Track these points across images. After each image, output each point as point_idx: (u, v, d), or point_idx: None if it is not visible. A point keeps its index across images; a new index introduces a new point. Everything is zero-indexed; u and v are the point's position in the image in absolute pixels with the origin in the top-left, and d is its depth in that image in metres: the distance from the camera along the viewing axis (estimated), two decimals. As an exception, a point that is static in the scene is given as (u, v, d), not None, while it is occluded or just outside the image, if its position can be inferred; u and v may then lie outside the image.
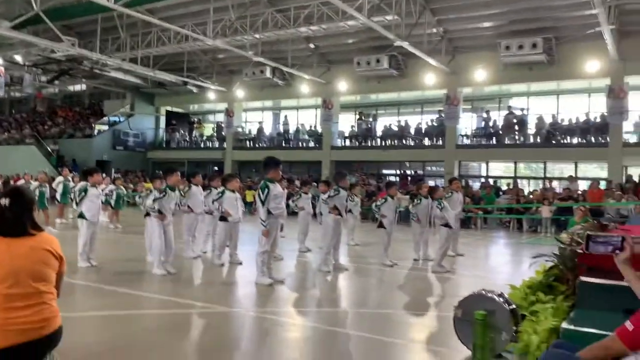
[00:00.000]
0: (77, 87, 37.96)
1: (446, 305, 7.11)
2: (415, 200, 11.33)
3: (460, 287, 8.36)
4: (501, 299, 4.92)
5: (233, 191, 9.84)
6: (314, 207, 12.84)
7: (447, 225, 9.96)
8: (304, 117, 32.82)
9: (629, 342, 2.77)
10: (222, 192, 9.76)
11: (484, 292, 5.04)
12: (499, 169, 27.66)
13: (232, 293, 7.49)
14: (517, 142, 24.30)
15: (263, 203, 7.83)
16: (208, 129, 36.05)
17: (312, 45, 25.77)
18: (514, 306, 4.80)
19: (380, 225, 10.43)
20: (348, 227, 13.28)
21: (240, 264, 9.73)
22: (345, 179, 9.80)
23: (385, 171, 30.21)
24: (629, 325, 2.79)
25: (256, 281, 7.93)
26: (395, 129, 27.90)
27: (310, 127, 30.98)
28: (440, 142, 26.37)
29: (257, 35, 21.53)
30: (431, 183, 20.78)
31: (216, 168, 32.47)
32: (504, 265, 11.61)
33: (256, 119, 34.59)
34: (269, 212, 7.85)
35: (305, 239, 11.88)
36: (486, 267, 11.30)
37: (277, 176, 8.07)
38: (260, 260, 7.92)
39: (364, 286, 8.38)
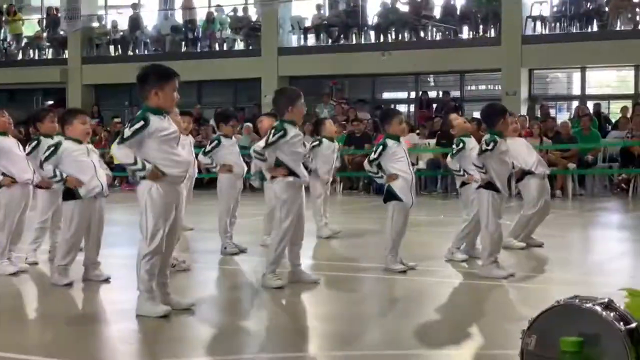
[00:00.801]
0: None
1: (504, 332, 5.73)
2: (462, 143, 8.70)
3: (537, 301, 6.34)
4: (611, 314, 3.90)
5: (80, 142, 7.69)
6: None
7: (490, 186, 7.81)
8: None
9: None
10: (56, 146, 7.55)
11: (577, 301, 4.02)
12: (606, 81, 22.44)
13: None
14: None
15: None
16: (30, 26, 28.46)
17: None
18: (633, 325, 3.86)
19: (388, 197, 8.12)
20: (315, 202, 10.88)
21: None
22: (298, 106, 7.45)
23: (386, 95, 24.40)
24: None
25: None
26: (405, 8, 22.37)
27: (235, 11, 24.83)
28: (492, 33, 21.05)
29: None
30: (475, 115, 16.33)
31: (50, 102, 26.08)
32: (616, 261, 9.68)
33: (126, 0, 27.27)
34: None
35: (229, 224, 9.56)
36: (586, 266, 9.41)
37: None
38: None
39: (351, 314, 6.70)
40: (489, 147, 7.98)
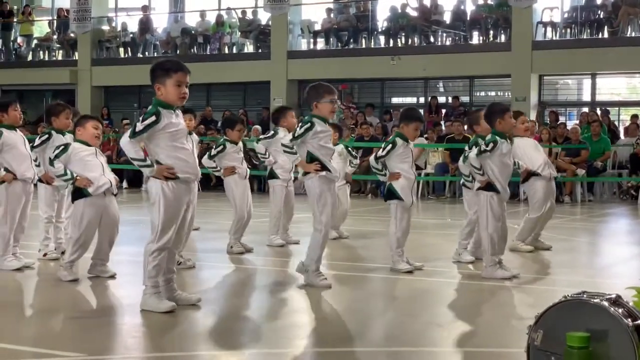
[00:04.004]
0: None
1: (509, 331, 5.60)
2: (479, 145, 8.10)
3: (542, 301, 6.14)
4: (619, 310, 3.84)
5: (89, 145, 7.72)
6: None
7: (490, 187, 7.71)
8: None
9: None
10: (65, 146, 7.53)
11: (584, 296, 3.98)
12: (616, 88, 22.23)
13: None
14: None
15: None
16: (40, 27, 28.62)
17: None
18: (641, 321, 4.08)
19: (389, 195, 8.07)
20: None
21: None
22: (324, 103, 7.23)
23: (395, 99, 24.24)
24: None
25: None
26: (414, 12, 22.20)
27: (245, 14, 24.75)
28: (502, 38, 21.11)
29: None
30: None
31: (58, 102, 26.45)
32: (624, 265, 9.62)
33: (136, 2, 27.17)
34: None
35: (240, 229, 9.48)
36: (593, 268, 9.45)
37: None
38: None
39: (355, 312, 6.60)
40: (488, 148, 7.81)
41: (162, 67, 6.28)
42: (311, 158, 7.33)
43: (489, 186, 7.90)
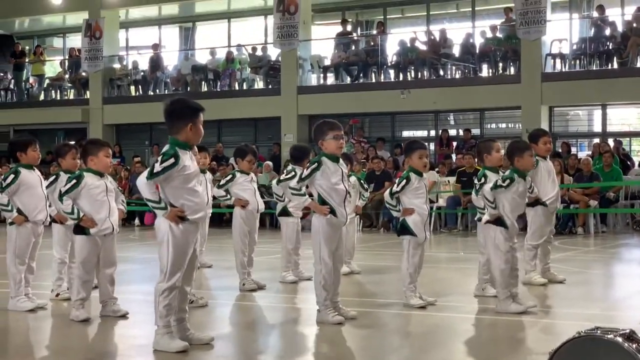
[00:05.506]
0: None
1: None
2: (489, 177, 8.02)
3: (556, 336, 6.24)
4: (632, 345, 3.76)
5: (102, 175, 7.58)
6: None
7: (499, 222, 7.71)
8: (242, 33, 26.72)
9: None
10: (77, 180, 7.41)
11: (598, 332, 3.89)
12: (626, 118, 22.21)
13: None
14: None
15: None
16: (52, 67, 28.65)
17: None
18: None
19: (402, 231, 8.00)
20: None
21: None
22: (329, 140, 7.24)
23: (406, 132, 24.12)
24: None
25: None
26: (423, 47, 22.11)
27: (255, 51, 24.73)
28: (511, 70, 20.96)
29: None
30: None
31: (71, 142, 26.67)
32: (639, 297, 9.48)
33: (147, 40, 27.61)
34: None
35: (246, 261, 9.40)
36: (608, 301, 9.28)
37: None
38: None
39: (368, 349, 6.49)
40: (504, 184, 7.79)
41: (195, 105, 6.26)
42: (322, 201, 7.30)
43: (497, 221, 7.88)
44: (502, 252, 7.85)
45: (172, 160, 6.07)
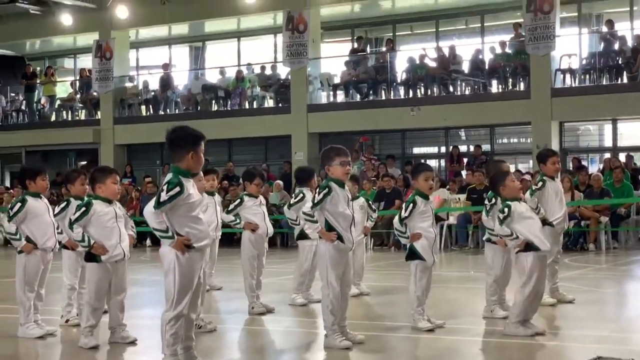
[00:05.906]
0: None
1: None
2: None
3: (563, 358, 6.68)
4: None
5: (110, 201, 7.62)
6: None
7: (528, 247, 7.54)
8: (251, 52, 26.81)
9: None
10: (86, 207, 7.48)
11: None
12: (637, 132, 22.14)
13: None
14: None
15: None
16: (63, 87, 28.73)
17: None
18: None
19: (410, 255, 7.95)
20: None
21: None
22: (335, 165, 7.24)
23: (416, 149, 24.28)
24: None
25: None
26: (433, 63, 22.08)
27: (264, 69, 24.79)
28: (521, 86, 20.88)
29: None
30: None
31: (83, 163, 25.67)
32: None
33: (157, 60, 27.54)
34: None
35: (255, 284, 9.43)
36: (621, 321, 9.07)
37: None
38: None
39: None
40: (506, 214, 7.70)
41: (197, 134, 6.24)
42: (329, 226, 7.26)
43: (527, 246, 7.68)
44: (531, 277, 7.55)
45: (177, 189, 6.08)
